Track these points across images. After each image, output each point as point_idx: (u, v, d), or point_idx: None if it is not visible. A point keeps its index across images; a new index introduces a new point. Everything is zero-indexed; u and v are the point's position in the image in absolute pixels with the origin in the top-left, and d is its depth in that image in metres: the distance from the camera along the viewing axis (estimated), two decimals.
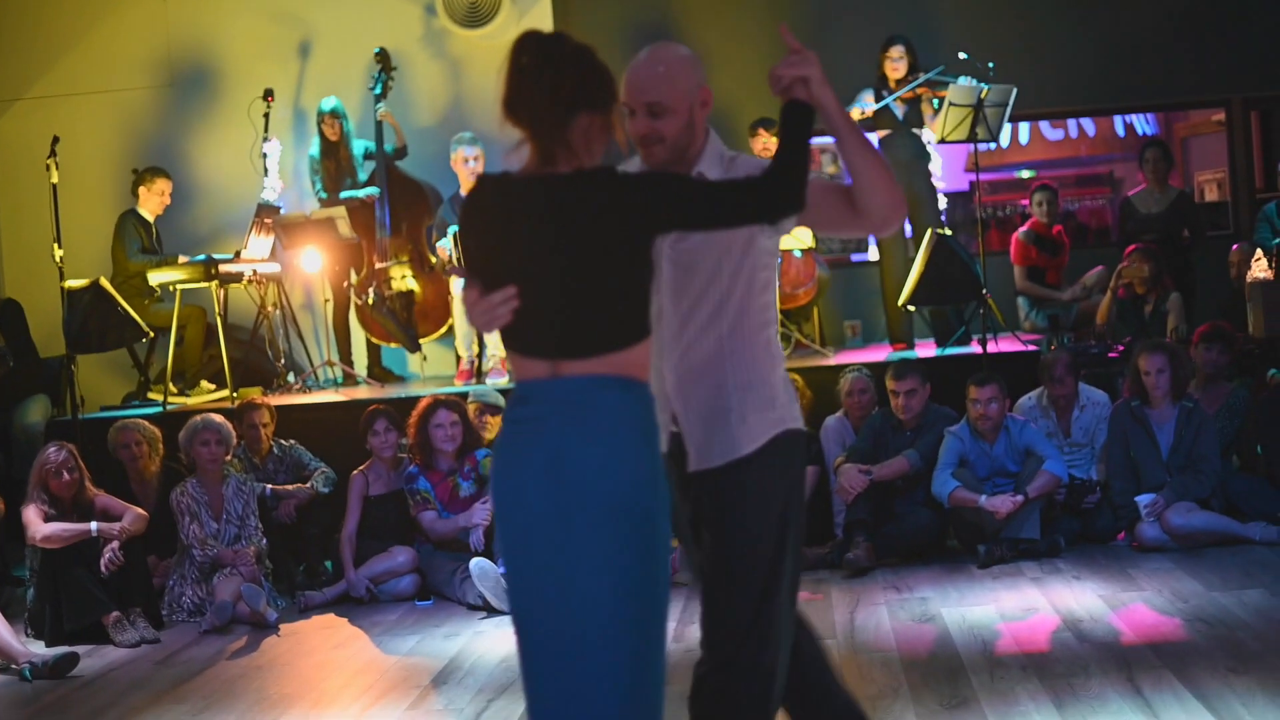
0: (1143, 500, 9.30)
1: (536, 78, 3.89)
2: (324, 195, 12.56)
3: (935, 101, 11.77)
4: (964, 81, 11.67)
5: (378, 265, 12.39)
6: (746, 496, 4.38)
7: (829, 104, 4.19)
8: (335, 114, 12.58)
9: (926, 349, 11.80)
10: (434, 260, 12.10)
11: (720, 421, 4.39)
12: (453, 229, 11.77)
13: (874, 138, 12.01)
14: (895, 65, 11.83)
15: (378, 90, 12.49)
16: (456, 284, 11.84)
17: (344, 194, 12.55)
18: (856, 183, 4.30)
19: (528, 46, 3.92)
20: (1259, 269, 11.19)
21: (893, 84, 11.83)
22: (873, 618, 7.99)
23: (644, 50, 4.38)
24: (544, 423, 3.91)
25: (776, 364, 4.49)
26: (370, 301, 12.33)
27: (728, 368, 4.40)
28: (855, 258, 14.37)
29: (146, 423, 9.96)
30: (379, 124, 12.42)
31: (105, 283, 11.19)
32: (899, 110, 11.80)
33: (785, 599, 4.42)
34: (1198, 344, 10.08)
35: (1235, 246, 12.43)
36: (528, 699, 3.95)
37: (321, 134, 12.62)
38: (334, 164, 12.62)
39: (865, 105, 11.77)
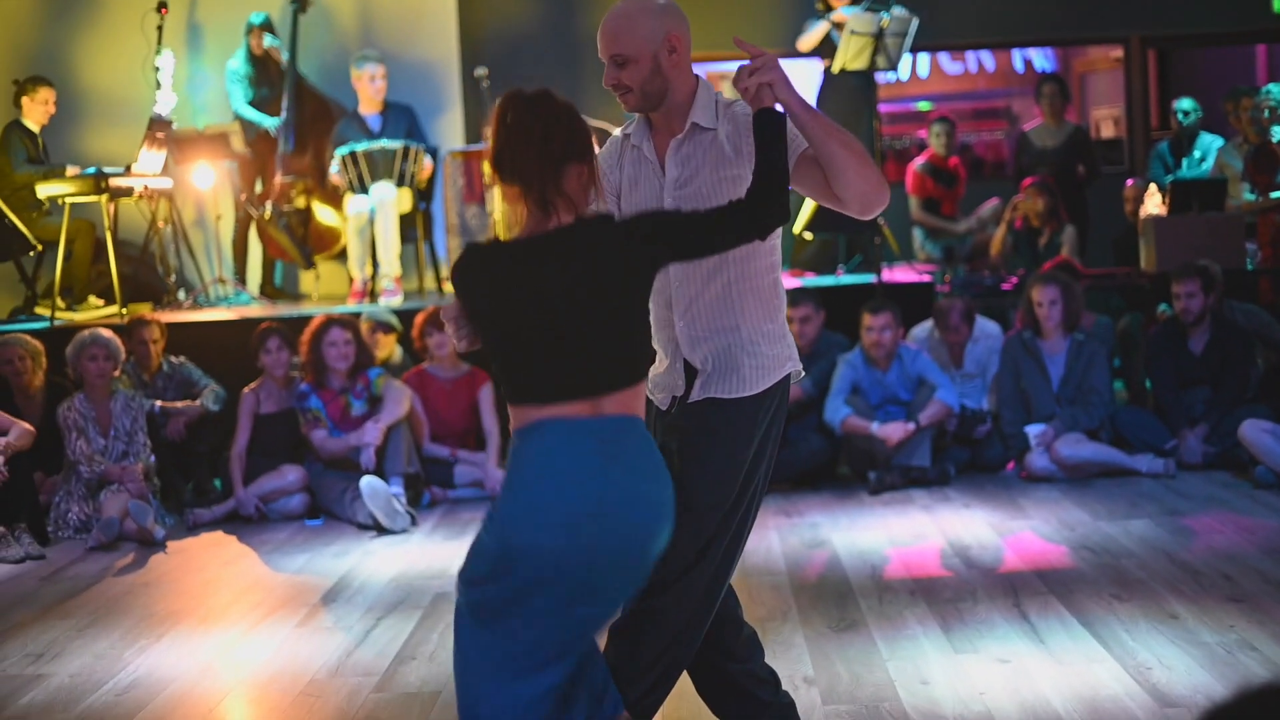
0: (1032, 431, 9.39)
1: (527, 135, 4.01)
2: (247, 114, 12.40)
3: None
4: (863, 10, 11.66)
5: (279, 180, 12.25)
6: (740, 430, 4.48)
7: (794, 104, 4.25)
8: (265, 26, 12.43)
9: (813, 278, 11.81)
10: (333, 179, 11.97)
11: (733, 363, 4.48)
12: (342, 149, 11.67)
13: (821, 65, 12.04)
14: None
15: (296, 3, 12.40)
16: (350, 204, 11.72)
17: (254, 115, 12.39)
18: (829, 173, 4.33)
19: (514, 105, 4.02)
20: (1152, 205, 11.29)
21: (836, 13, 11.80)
22: (763, 542, 8.02)
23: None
24: (595, 457, 3.97)
25: (784, 305, 4.62)
26: (268, 215, 12.20)
27: (738, 312, 4.50)
28: None
29: (29, 337, 9.78)
30: (294, 34, 12.28)
31: None
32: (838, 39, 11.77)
33: (743, 530, 4.54)
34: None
35: (1130, 182, 12.53)
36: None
37: (248, 48, 12.46)
38: (261, 77, 12.48)
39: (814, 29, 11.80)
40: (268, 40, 12.44)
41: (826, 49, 11.86)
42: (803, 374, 4.67)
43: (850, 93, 11.78)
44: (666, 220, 4.14)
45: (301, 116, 12.34)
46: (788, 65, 4.42)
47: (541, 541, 3.95)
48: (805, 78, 12.74)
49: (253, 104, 12.49)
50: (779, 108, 4.24)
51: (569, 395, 3.99)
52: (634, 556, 4.02)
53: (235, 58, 12.61)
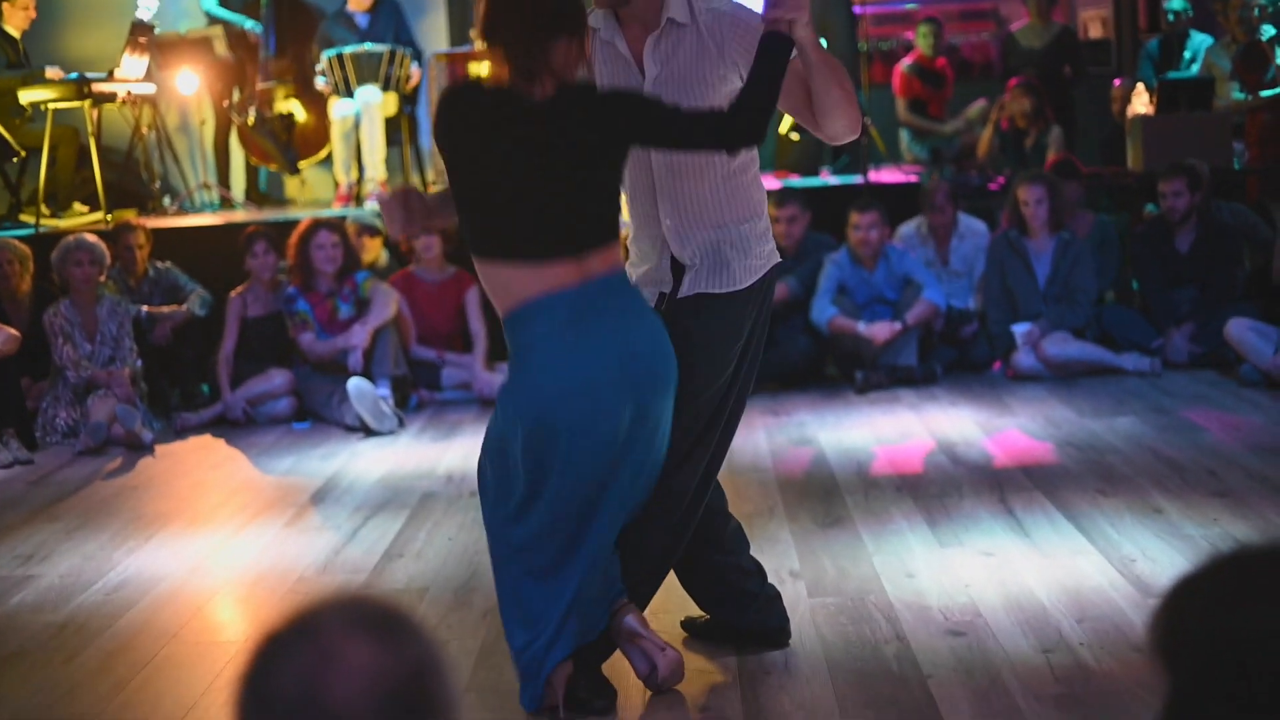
0: (1019, 329, 9.40)
1: (516, 4, 4.11)
2: (216, 12, 12.32)
3: None
4: None
5: (260, 85, 12.18)
6: (730, 323, 4.56)
7: (810, 43, 4.31)
8: None
9: (795, 179, 11.78)
10: (318, 72, 11.89)
11: (722, 259, 4.54)
12: (328, 51, 11.59)
13: None
14: None
15: None
16: (334, 108, 11.67)
17: (227, 14, 12.31)
18: (819, 105, 4.43)
19: None
20: (1140, 104, 11.27)
21: None
22: (750, 441, 8.04)
23: None
24: (600, 320, 4.17)
25: (765, 202, 4.71)
26: (251, 121, 12.14)
27: (725, 209, 4.54)
28: None
29: (17, 242, 9.76)
30: None
31: None
32: None
33: (731, 425, 4.64)
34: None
35: (1117, 82, 12.50)
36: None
37: None
38: None
39: None
40: None
41: None
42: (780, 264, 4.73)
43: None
44: (646, 108, 4.20)
45: (280, 19, 12.24)
46: None
47: (573, 417, 4.17)
48: None
49: (228, 6, 12.40)
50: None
51: (553, 254, 4.12)
52: (661, 388, 4.27)
53: None
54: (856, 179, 11.12)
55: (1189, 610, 1.74)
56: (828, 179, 11.59)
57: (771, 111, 4.24)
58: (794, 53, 4.31)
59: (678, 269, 4.58)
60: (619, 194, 4.36)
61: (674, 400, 4.35)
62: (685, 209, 4.51)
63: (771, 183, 11.66)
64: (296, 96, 12.23)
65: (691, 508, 4.62)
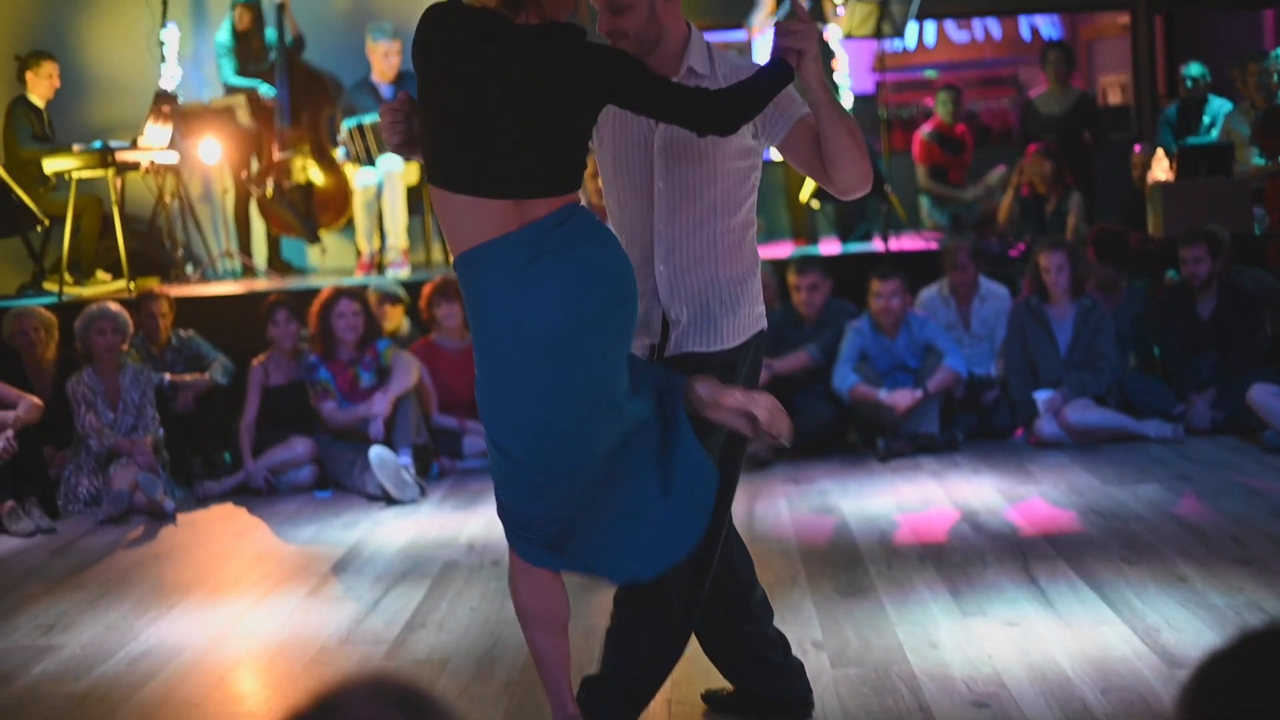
0: (1040, 396, 9.38)
1: None
2: (234, 81, 12.39)
3: None
4: None
5: (277, 156, 12.24)
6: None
7: (815, 81, 4.31)
8: (248, 5, 12.39)
9: (829, 246, 11.81)
10: (334, 153, 11.97)
11: (710, 313, 4.51)
12: (349, 120, 11.65)
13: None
14: None
15: None
16: (356, 176, 11.73)
17: (244, 82, 12.39)
18: (828, 154, 4.40)
19: None
20: (1160, 170, 11.28)
21: None
22: (772, 509, 8.03)
23: None
24: (538, 261, 4.09)
25: (758, 261, 4.67)
26: (269, 192, 12.19)
27: (720, 260, 4.53)
28: None
29: (42, 310, 9.82)
30: (279, 10, 12.24)
31: None
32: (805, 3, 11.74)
33: (723, 500, 4.56)
34: (1094, 255, 10.12)
35: (1138, 148, 12.50)
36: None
37: (232, 23, 12.44)
38: (245, 52, 12.45)
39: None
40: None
41: (817, 14, 11.82)
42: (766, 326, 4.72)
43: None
44: (628, 65, 4.19)
45: (294, 87, 12.31)
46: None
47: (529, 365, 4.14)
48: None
49: (244, 74, 12.48)
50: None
51: (494, 192, 4.09)
52: (621, 314, 4.22)
53: (222, 30, 12.58)
54: (872, 245, 11.13)
55: (1217, 687, 1.73)
56: (848, 245, 11.60)
57: (750, 116, 4.23)
58: (795, 116, 4.38)
59: (667, 325, 4.59)
60: (581, 153, 4.23)
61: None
62: (680, 257, 4.50)
63: (788, 248, 11.70)
64: (314, 164, 12.27)
65: (698, 580, 4.60)
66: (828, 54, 11.92)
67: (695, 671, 5.14)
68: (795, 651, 5.09)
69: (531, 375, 4.12)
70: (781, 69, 4.23)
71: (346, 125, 11.68)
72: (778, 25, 4.29)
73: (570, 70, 4.06)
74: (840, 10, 11.73)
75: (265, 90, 12.33)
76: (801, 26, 4.24)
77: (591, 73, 4.09)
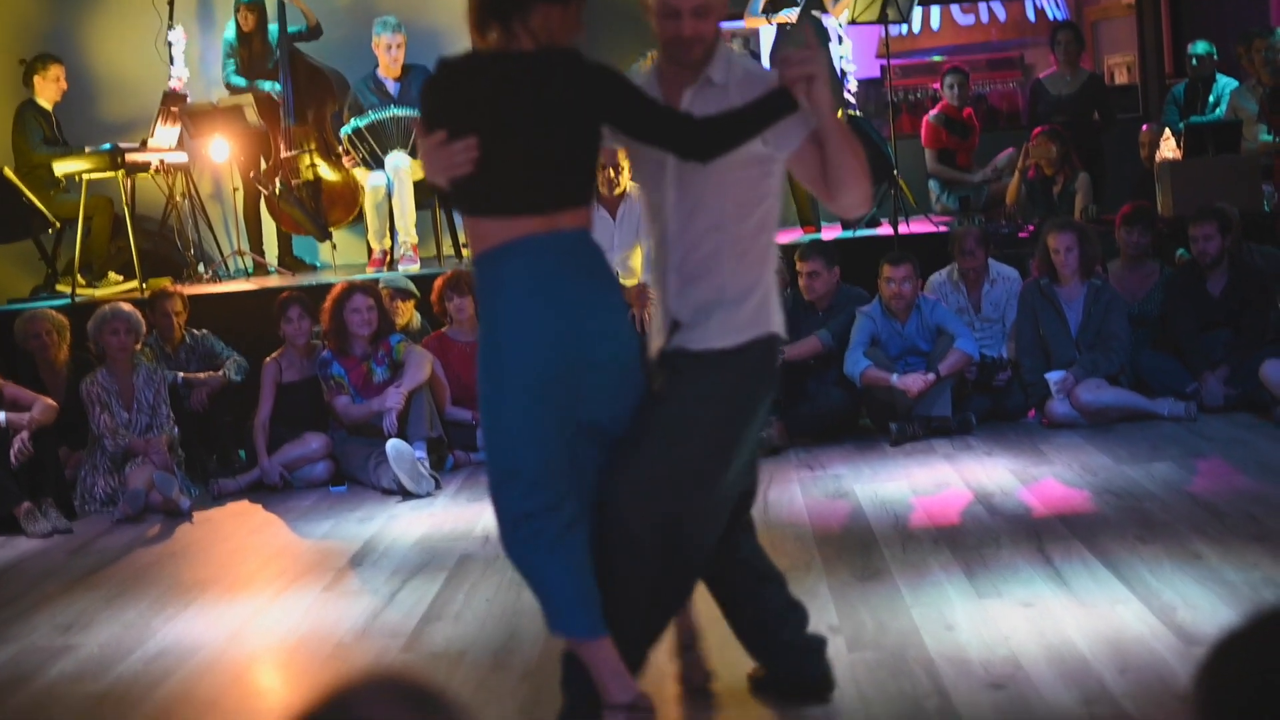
0: (1052, 377, 9.37)
1: None
2: (234, 81, 12.40)
3: None
4: None
5: (284, 154, 12.25)
6: (714, 388, 4.51)
7: (824, 107, 4.37)
8: (252, 6, 12.39)
9: (835, 232, 11.81)
10: (340, 149, 11.97)
11: (715, 312, 4.51)
12: (346, 128, 11.66)
13: (774, 22, 11.99)
14: None
15: None
16: (368, 178, 11.72)
17: (245, 82, 12.39)
18: (832, 176, 4.44)
19: None
20: (1167, 149, 11.27)
21: None
22: (786, 494, 8.04)
23: None
24: (559, 275, 4.30)
25: (772, 267, 4.66)
26: (277, 191, 12.20)
27: (728, 268, 4.52)
28: None
29: (54, 312, 9.86)
30: (281, 6, 12.23)
31: (9, 173, 11.01)
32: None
33: (718, 491, 4.56)
34: (1120, 226, 10.11)
35: (1145, 127, 12.50)
36: None
37: (237, 24, 12.45)
38: (248, 52, 12.46)
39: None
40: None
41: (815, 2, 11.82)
42: (782, 333, 4.70)
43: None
44: (622, 87, 4.35)
45: (298, 85, 12.30)
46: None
47: (536, 356, 4.32)
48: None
49: (246, 76, 12.48)
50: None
51: (521, 209, 4.29)
52: (614, 361, 4.44)
53: (228, 29, 12.59)
54: (886, 230, 11.13)
55: (1234, 666, 1.74)
56: (857, 230, 11.59)
57: (736, 145, 4.31)
58: (810, 125, 4.40)
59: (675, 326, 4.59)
60: (592, 164, 4.50)
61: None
62: (691, 265, 4.51)
63: (795, 234, 11.70)
64: (321, 161, 12.26)
65: (691, 562, 4.63)
66: (824, 39, 11.90)
67: (739, 654, 5.16)
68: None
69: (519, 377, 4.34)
70: (782, 100, 4.30)
71: (343, 133, 11.68)
72: (783, 58, 4.33)
73: (569, 91, 4.28)
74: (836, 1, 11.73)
75: (269, 86, 12.32)
76: (806, 54, 4.28)
77: (586, 92, 4.30)
